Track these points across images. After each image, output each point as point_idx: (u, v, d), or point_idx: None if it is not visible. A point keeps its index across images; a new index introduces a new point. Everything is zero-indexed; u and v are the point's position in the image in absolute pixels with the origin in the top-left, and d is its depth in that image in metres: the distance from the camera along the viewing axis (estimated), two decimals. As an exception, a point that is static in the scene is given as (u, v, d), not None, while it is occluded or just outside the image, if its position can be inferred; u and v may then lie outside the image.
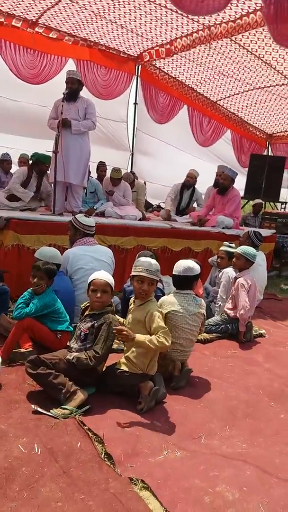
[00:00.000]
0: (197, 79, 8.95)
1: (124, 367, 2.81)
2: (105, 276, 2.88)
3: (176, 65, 8.55)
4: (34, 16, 7.11)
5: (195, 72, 8.65)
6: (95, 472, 2.04)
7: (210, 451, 2.32)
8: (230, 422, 2.68)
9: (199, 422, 2.62)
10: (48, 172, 5.65)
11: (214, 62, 7.97)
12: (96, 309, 2.85)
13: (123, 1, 6.25)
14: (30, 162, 5.85)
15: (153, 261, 2.88)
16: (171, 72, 8.90)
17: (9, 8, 6.88)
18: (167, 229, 5.86)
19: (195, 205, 7.52)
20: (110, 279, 2.89)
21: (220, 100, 9.66)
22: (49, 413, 2.49)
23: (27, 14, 7.04)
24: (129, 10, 6.49)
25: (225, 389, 3.10)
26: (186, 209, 7.25)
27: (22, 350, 3.20)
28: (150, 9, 6.36)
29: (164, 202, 7.67)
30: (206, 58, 7.85)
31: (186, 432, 2.50)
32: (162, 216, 6.72)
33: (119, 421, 2.51)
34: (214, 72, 8.41)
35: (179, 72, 8.82)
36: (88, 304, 2.96)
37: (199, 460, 2.22)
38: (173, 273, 3.23)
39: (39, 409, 2.51)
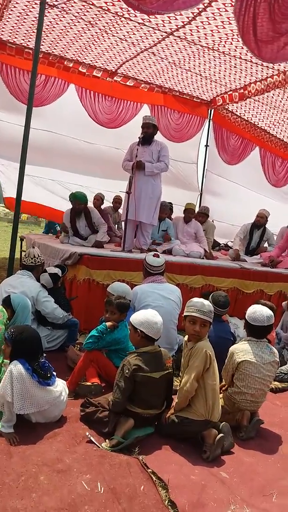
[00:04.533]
0: (270, 121, 8.95)
1: (184, 413, 2.71)
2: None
3: (249, 108, 8.65)
4: (114, 67, 7.64)
5: (268, 115, 8.68)
6: (158, 520, 1.95)
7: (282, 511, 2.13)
8: (304, 481, 2.45)
9: (270, 478, 2.43)
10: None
11: (288, 105, 7.98)
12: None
13: (199, 54, 6.52)
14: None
15: (206, 302, 2.83)
16: (244, 115, 9.02)
17: (91, 61, 7.47)
18: (237, 269, 5.74)
19: (266, 245, 7.32)
20: None
21: (294, 141, 9.57)
22: (99, 445, 2.51)
23: (107, 65, 7.59)
24: (204, 61, 6.76)
25: (298, 444, 2.87)
26: (257, 249, 7.07)
27: (88, 383, 3.24)
28: (225, 60, 6.58)
29: (232, 241, 7.56)
30: (280, 101, 7.87)
31: (255, 487, 2.32)
32: (231, 255, 6.61)
33: (184, 467, 2.40)
34: (288, 114, 8.40)
35: (252, 115, 8.91)
36: None
37: (270, 520, 2.05)
38: (251, 322, 3.05)
39: (91, 438, 2.55)
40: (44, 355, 2.79)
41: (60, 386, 2.78)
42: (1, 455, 2.29)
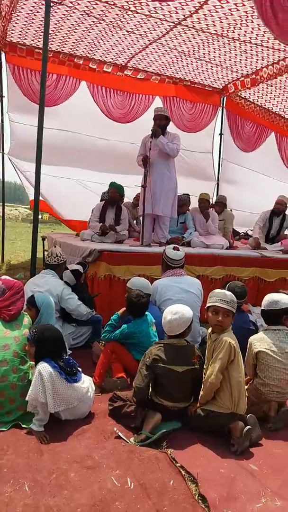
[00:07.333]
0: (284, 106, 8.78)
1: (210, 406, 2.70)
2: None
3: (262, 94, 8.48)
4: (123, 61, 7.59)
5: (282, 99, 8.49)
6: (189, 514, 1.96)
7: (314, 504, 2.11)
8: None
9: (301, 469, 2.41)
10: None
11: (302, 88, 7.79)
12: None
13: (208, 41, 6.41)
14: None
15: (228, 292, 2.83)
16: (257, 101, 8.85)
17: (100, 56, 7.45)
18: (257, 258, 5.67)
19: (286, 232, 7.20)
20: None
21: (310, 125, 9.35)
22: (127, 440, 2.54)
23: (117, 59, 7.55)
24: (213, 48, 6.65)
25: None
26: (277, 236, 6.97)
27: (114, 378, 3.28)
28: (235, 46, 6.46)
29: (251, 230, 7.46)
30: (294, 84, 7.70)
31: (286, 479, 2.30)
32: (251, 244, 6.54)
33: (212, 460, 2.40)
34: (303, 97, 8.21)
35: (266, 100, 8.73)
36: None
37: (303, 512, 2.03)
38: (263, 308, 3.10)
39: (120, 434, 2.58)
40: (69, 352, 2.83)
41: (86, 383, 2.82)
42: (32, 453, 2.34)
